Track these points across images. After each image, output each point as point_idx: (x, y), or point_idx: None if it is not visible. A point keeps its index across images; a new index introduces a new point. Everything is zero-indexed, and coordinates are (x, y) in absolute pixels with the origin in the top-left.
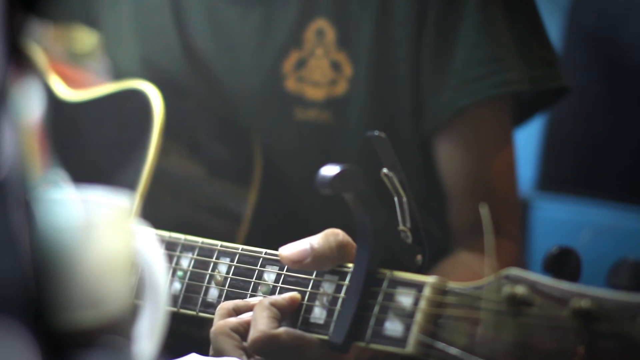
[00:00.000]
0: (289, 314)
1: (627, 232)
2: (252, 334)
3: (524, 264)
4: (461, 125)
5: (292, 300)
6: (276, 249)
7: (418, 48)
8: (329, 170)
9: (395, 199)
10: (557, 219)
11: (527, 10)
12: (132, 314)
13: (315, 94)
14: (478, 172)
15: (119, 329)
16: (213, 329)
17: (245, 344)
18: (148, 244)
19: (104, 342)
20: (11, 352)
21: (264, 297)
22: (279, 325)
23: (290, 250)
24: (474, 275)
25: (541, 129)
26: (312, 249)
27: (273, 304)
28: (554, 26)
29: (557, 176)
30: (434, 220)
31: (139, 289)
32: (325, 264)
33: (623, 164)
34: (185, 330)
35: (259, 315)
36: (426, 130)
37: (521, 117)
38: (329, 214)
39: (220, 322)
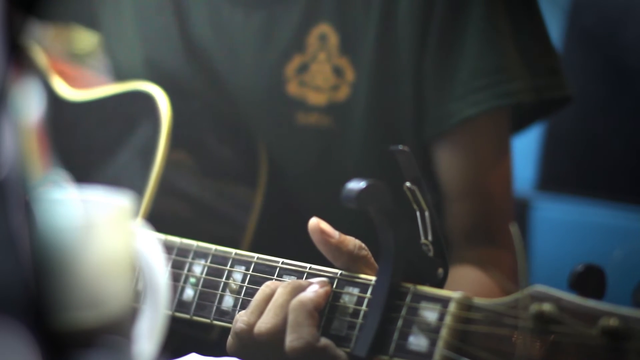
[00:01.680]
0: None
1: (627, 232)
2: (296, 341)
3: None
4: (463, 134)
5: (328, 297)
6: (281, 252)
7: (421, 55)
8: (355, 185)
9: (417, 212)
10: (557, 219)
11: (531, 18)
12: (132, 313)
13: (317, 98)
14: (476, 180)
15: (119, 329)
16: (297, 299)
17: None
18: (148, 244)
19: (104, 342)
20: (11, 352)
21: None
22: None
23: (323, 222)
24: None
25: (541, 129)
26: (341, 236)
27: (317, 308)
28: (553, 26)
29: (557, 176)
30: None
31: (139, 289)
32: (341, 256)
33: (623, 164)
34: (189, 333)
35: (303, 321)
36: (428, 137)
37: (522, 123)
38: (334, 218)
39: (305, 298)
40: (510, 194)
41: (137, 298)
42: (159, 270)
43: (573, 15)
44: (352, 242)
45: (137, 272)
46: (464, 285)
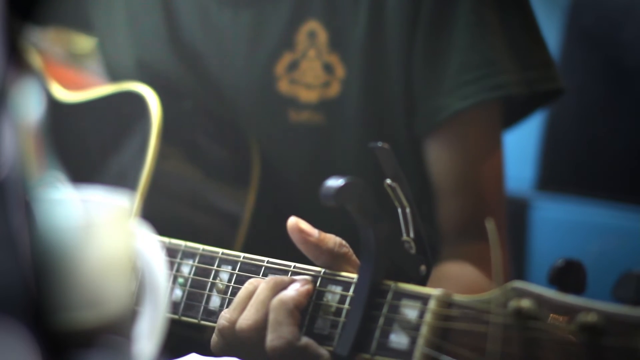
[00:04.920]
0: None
1: (627, 232)
2: (276, 340)
3: (511, 267)
4: (454, 128)
5: (309, 295)
6: (274, 250)
7: (411, 49)
8: (333, 183)
9: (399, 209)
10: (557, 219)
11: (521, 11)
12: (132, 313)
13: (309, 95)
14: (468, 174)
15: (119, 329)
16: (278, 297)
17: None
18: (148, 244)
19: (104, 342)
20: (11, 352)
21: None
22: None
23: (302, 221)
24: (461, 290)
25: (541, 129)
26: (320, 234)
27: (298, 307)
28: (553, 26)
29: (557, 176)
30: (427, 221)
31: (139, 289)
32: (322, 255)
33: (623, 164)
34: (186, 333)
35: (284, 320)
36: (419, 132)
37: (515, 117)
38: (326, 215)
39: (285, 297)
40: (502, 188)
41: (137, 298)
42: (159, 270)
43: (573, 15)
44: (331, 240)
45: (136, 272)
46: (455, 281)
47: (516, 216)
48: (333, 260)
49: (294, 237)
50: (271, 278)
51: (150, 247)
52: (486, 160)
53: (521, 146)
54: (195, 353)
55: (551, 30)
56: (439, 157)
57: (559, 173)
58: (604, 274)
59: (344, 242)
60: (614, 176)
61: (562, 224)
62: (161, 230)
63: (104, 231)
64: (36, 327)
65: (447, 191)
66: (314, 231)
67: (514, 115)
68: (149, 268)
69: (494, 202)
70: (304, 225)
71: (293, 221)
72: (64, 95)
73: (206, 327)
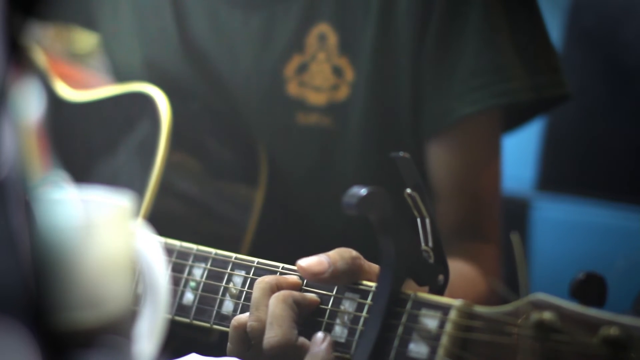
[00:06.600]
0: (306, 315)
1: (627, 232)
2: (272, 336)
3: (503, 267)
4: (459, 132)
5: (313, 303)
6: (282, 252)
7: (420, 54)
8: (356, 192)
9: (418, 219)
10: (557, 219)
11: (529, 17)
12: (132, 313)
13: (317, 98)
14: (468, 178)
15: (119, 329)
16: (276, 294)
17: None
18: (148, 244)
19: (104, 342)
20: (11, 352)
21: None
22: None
23: (309, 262)
24: (455, 284)
25: (541, 129)
26: (330, 263)
27: (297, 303)
28: (554, 26)
29: (557, 176)
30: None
31: (139, 289)
32: (341, 278)
33: (623, 164)
34: (191, 335)
35: (280, 313)
36: (424, 134)
37: (519, 121)
38: (332, 218)
39: (285, 291)
40: (499, 192)
41: (137, 298)
42: (159, 270)
43: (573, 15)
44: (343, 262)
45: (137, 272)
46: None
47: (516, 216)
48: (354, 278)
49: (309, 280)
50: (280, 293)
51: (151, 247)
52: (487, 165)
53: (521, 146)
54: (195, 353)
55: (552, 30)
56: (441, 159)
57: (559, 173)
58: (625, 287)
59: (354, 253)
60: (614, 176)
61: (562, 224)
62: (168, 232)
63: (104, 231)
64: (36, 327)
65: (446, 192)
66: (324, 267)
67: (517, 118)
68: (149, 268)
69: (491, 205)
70: (314, 267)
71: (302, 267)
72: (70, 94)
73: (212, 330)
